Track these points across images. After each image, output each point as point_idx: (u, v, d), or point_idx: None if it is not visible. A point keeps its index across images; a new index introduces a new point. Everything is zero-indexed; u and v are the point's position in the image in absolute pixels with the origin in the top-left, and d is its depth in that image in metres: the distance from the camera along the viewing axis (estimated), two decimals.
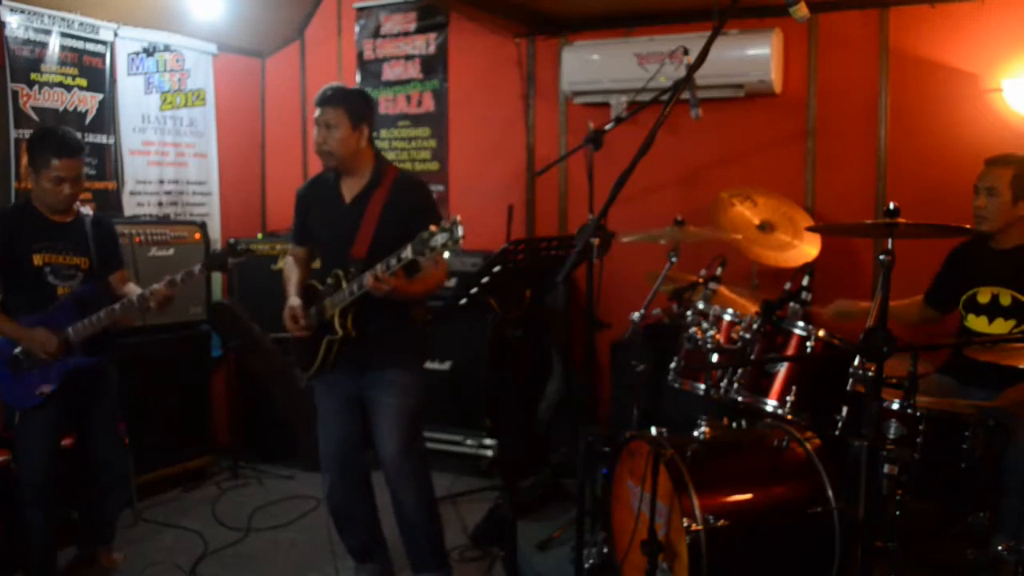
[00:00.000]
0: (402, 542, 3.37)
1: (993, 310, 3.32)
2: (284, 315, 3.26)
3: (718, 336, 3.18)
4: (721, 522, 2.74)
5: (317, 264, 3.45)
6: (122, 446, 3.73)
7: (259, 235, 5.48)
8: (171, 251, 4.61)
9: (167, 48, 5.04)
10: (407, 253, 2.83)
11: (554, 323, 4.77)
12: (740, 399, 3.13)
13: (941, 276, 3.57)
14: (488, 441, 4.73)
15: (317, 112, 3.17)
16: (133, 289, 3.53)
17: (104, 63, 4.70)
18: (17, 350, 3.30)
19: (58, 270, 3.35)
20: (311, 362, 3.24)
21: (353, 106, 3.17)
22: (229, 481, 4.77)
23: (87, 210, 3.55)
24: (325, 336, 3.18)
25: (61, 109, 4.48)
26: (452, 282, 4.28)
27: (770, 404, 3.07)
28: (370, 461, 3.39)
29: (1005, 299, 3.28)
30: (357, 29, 5.58)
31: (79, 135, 4.51)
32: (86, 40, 4.60)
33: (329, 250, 3.30)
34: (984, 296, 3.35)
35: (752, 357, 3.10)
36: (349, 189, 3.26)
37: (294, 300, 3.28)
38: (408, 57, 5.44)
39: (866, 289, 4.29)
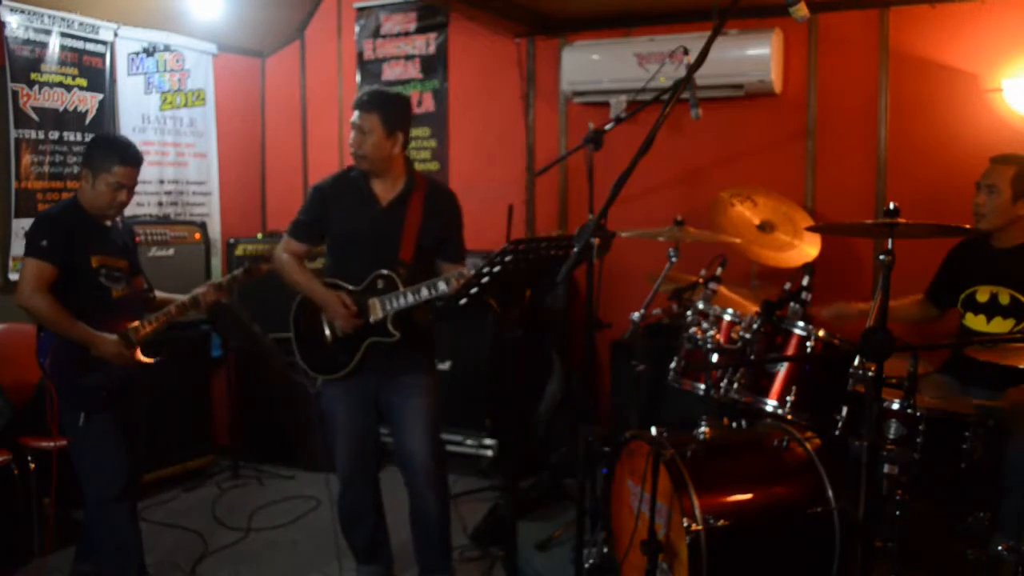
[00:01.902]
0: (415, 543, 3.36)
1: (992, 309, 3.32)
2: (331, 310, 3.13)
3: (718, 336, 3.18)
4: (721, 522, 2.74)
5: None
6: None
7: (259, 235, 5.48)
8: (171, 251, 4.61)
9: (167, 48, 5.04)
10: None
11: (554, 323, 4.77)
12: (740, 399, 3.13)
13: (941, 273, 3.57)
14: (488, 441, 4.73)
15: (354, 115, 3.16)
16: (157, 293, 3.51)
17: (104, 63, 4.70)
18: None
19: (110, 272, 3.29)
20: (343, 364, 3.19)
21: (388, 113, 3.15)
22: (229, 481, 4.77)
23: None
24: (369, 337, 3.15)
25: (61, 109, 4.48)
26: None
27: (770, 404, 3.07)
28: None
29: (1004, 298, 3.29)
30: (357, 29, 5.58)
31: (79, 136, 4.57)
32: (86, 40, 4.60)
33: (362, 250, 3.21)
34: (983, 295, 3.35)
35: (752, 357, 3.10)
36: (383, 191, 3.24)
37: (333, 293, 3.16)
38: (408, 57, 5.44)
39: (866, 289, 4.29)
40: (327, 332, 3.22)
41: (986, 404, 2.99)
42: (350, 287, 3.19)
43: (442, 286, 3.03)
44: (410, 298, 3.09)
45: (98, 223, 3.31)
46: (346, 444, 3.31)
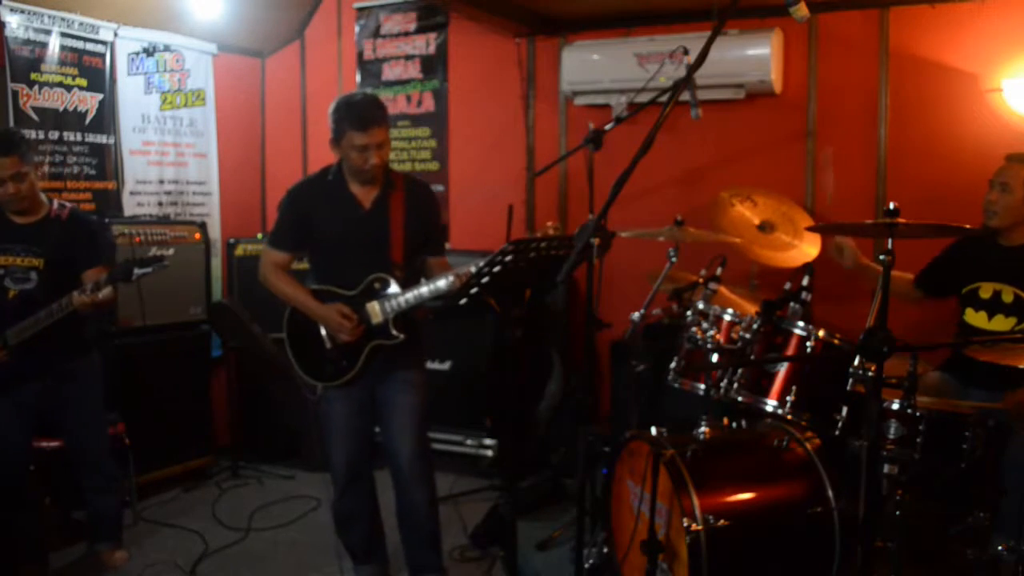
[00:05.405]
0: (404, 542, 3.37)
1: (994, 306, 3.32)
2: (332, 323, 3.11)
3: (718, 336, 3.18)
4: (721, 522, 2.74)
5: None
6: (106, 446, 3.72)
7: (259, 235, 5.48)
8: (171, 251, 4.61)
9: (167, 48, 5.04)
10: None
11: (554, 323, 4.77)
12: (740, 399, 3.13)
13: (940, 264, 3.55)
14: (488, 441, 4.73)
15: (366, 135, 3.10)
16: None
17: (104, 63, 4.70)
18: None
19: (12, 272, 3.37)
20: (346, 369, 3.18)
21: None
22: (229, 481, 4.77)
23: (62, 207, 3.49)
24: (372, 341, 3.15)
25: (61, 109, 4.48)
26: None
27: (770, 404, 3.07)
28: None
29: (1007, 296, 3.28)
30: (357, 29, 5.58)
31: (79, 136, 4.57)
32: (86, 40, 4.60)
33: (352, 255, 3.18)
34: (986, 292, 3.35)
35: (752, 357, 3.10)
36: (362, 193, 3.20)
37: (333, 305, 3.14)
38: (408, 57, 5.44)
39: (866, 288, 4.28)
40: (325, 339, 3.20)
41: (986, 407, 2.98)
42: (345, 292, 3.17)
43: (442, 284, 3.02)
44: (411, 298, 3.08)
45: (12, 222, 3.38)
46: (344, 446, 3.31)
